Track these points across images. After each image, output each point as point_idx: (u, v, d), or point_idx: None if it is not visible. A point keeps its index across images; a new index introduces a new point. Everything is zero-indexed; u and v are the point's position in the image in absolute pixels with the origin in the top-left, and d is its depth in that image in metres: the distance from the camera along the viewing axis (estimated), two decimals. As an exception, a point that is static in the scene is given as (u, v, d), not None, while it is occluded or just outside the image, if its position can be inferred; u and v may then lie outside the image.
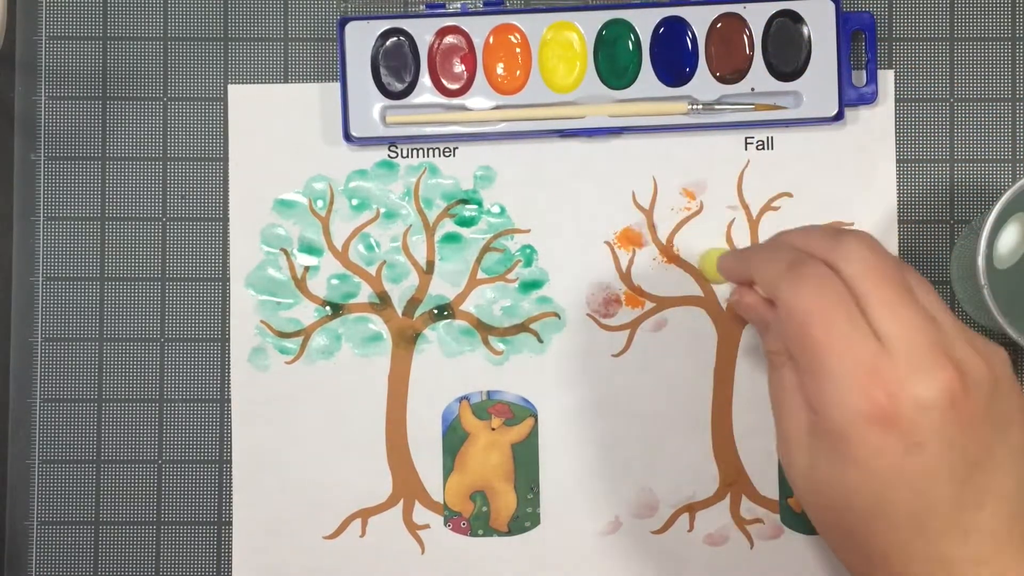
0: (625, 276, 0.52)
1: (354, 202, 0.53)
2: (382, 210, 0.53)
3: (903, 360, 0.37)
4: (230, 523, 0.52)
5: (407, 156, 0.53)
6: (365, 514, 0.52)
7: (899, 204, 0.52)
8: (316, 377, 0.52)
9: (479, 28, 0.52)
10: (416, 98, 0.52)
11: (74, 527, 0.53)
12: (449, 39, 0.52)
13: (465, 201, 0.53)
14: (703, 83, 0.52)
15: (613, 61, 0.52)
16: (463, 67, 0.52)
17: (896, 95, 0.53)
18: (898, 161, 0.53)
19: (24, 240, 0.53)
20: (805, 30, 0.51)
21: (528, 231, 0.53)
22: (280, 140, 0.53)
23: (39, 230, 0.53)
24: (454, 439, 0.52)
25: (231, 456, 0.52)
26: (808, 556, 0.52)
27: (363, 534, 0.52)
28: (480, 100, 0.52)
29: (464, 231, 0.53)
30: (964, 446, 0.38)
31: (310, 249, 0.53)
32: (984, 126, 0.53)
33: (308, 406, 0.52)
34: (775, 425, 0.43)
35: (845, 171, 0.52)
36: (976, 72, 0.53)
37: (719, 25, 0.51)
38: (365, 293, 0.53)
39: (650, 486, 0.52)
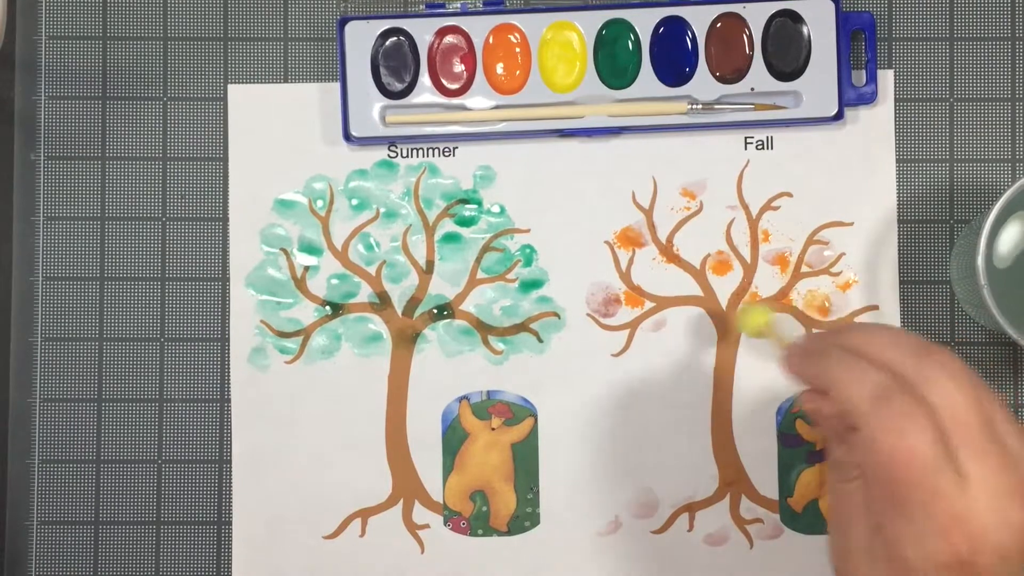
0: (625, 276, 0.52)
1: (354, 202, 0.53)
2: (382, 210, 0.53)
3: (986, 507, 0.36)
4: (230, 523, 0.52)
5: (407, 156, 0.53)
6: (365, 514, 0.52)
7: (899, 204, 0.52)
8: (316, 377, 0.52)
9: (479, 28, 0.52)
10: (416, 98, 0.52)
11: (74, 527, 0.52)
12: (449, 39, 0.52)
13: (465, 201, 0.53)
14: (703, 83, 0.52)
15: (613, 61, 0.52)
16: (463, 67, 0.52)
17: (896, 95, 0.53)
18: (898, 161, 0.53)
19: (24, 240, 0.53)
20: (805, 30, 0.51)
21: (528, 231, 0.53)
22: (280, 140, 0.53)
23: (39, 230, 0.53)
24: (454, 439, 0.52)
25: (231, 456, 0.52)
26: (808, 556, 0.52)
27: (363, 534, 0.52)
28: (480, 100, 0.52)
29: (464, 231, 0.53)
30: None
31: (310, 249, 0.53)
32: (984, 126, 0.53)
33: (308, 406, 0.52)
34: (830, 533, 0.41)
35: (845, 171, 0.52)
36: (976, 72, 0.53)
37: (719, 25, 0.51)
38: (365, 293, 0.53)
39: (650, 486, 0.52)
